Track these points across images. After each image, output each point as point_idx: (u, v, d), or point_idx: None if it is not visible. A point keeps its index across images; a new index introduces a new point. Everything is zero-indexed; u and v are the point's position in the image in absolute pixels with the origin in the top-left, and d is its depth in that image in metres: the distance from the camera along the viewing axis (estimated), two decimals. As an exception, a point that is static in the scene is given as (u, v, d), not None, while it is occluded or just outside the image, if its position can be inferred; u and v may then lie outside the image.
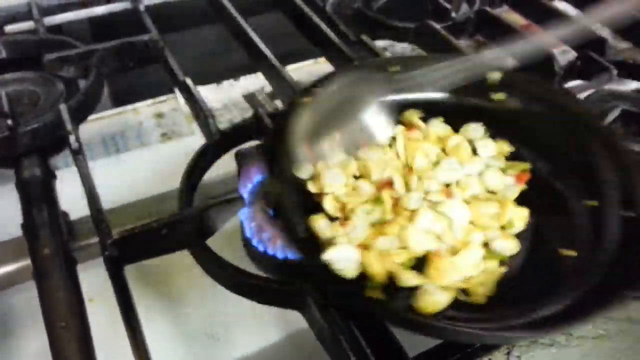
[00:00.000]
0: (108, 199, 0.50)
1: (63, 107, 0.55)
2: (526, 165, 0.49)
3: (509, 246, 0.43)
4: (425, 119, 0.53)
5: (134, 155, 0.72)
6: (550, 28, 0.76)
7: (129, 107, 0.77)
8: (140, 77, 0.77)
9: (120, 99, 0.87)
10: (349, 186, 0.46)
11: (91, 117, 0.63)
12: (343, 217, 0.44)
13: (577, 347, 0.37)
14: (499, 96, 0.54)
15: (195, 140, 0.67)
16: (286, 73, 0.63)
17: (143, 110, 0.78)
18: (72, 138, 0.52)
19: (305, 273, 0.41)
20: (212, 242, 0.45)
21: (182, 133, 0.74)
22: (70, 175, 0.52)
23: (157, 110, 0.78)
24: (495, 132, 0.52)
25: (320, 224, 0.43)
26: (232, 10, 0.74)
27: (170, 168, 0.56)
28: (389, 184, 0.46)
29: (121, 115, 0.77)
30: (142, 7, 0.74)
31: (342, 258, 0.40)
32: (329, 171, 0.46)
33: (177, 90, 0.67)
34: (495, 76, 0.54)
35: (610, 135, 0.50)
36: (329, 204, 0.45)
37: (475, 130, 0.52)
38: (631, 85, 0.71)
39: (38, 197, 0.52)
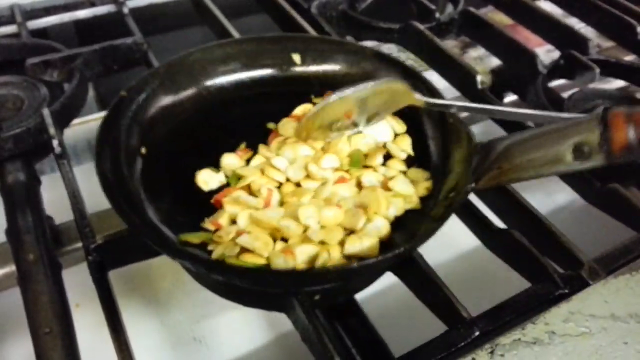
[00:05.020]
0: (95, 203, 0.50)
1: (46, 112, 0.55)
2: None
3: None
4: None
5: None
6: (535, 28, 0.78)
7: (115, 110, 0.76)
8: (127, 80, 0.77)
9: (107, 102, 0.86)
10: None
11: (77, 120, 0.63)
12: None
13: (560, 345, 0.38)
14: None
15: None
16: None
17: (129, 113, 0.77)
18: (55, 142, 0.52)
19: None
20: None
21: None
22: (57, 180, 0.52)
23: (143, 113, 0.77)
24: None
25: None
26: (217, 12, 0.73)
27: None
28: None
29: (107, 118, 0.76)
30: (126, 10, 0.74)
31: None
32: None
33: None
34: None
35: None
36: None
37: None
38: (614, 83, 0.72)
39: (22, 202, 0.52)
